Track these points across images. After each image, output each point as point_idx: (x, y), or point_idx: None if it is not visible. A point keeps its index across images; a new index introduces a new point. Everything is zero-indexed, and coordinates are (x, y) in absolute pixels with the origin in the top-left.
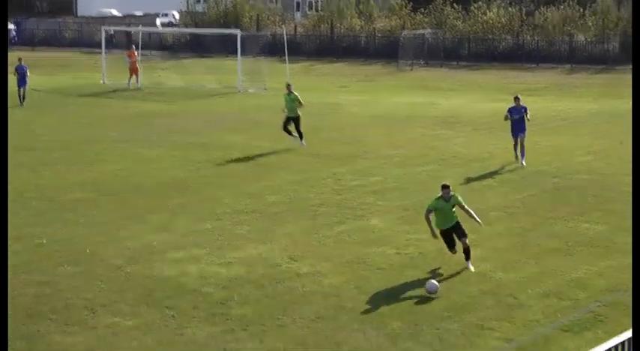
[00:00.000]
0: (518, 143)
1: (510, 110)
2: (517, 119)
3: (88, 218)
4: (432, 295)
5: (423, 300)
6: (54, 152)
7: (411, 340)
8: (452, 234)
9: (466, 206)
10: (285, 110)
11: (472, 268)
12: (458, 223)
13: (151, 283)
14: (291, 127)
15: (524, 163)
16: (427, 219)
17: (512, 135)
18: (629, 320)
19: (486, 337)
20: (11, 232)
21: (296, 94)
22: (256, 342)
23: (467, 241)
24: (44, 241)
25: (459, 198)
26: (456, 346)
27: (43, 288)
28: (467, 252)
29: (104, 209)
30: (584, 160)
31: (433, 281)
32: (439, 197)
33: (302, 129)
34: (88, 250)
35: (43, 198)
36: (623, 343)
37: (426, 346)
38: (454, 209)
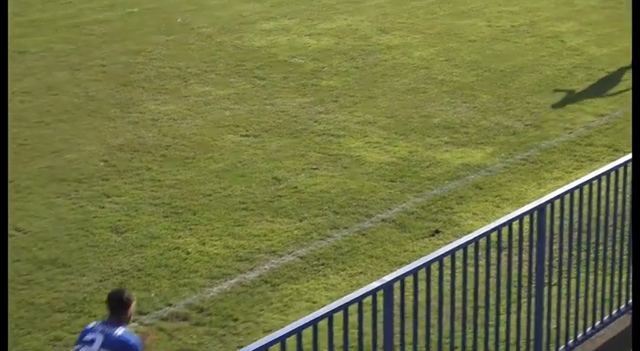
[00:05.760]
0: None
1: None
2: None
3: None
4: None
5: (513, 72)
6: None
7: (501, 114)
8: None
9: None
10: None
11: None
12: None
13: (241, 53)
14: None
15: None
16: None
17: None
18: None
19: (576, 111)
20: (102, 1)
21: None
22: (346, 113)
23: None
24: (135, 10)
25: None
26: (547, 120)
27: (135, 56)
28: None
29: None
30: None
31: None
32: None
33: None
34: (179, 19)
35: None
36: None
37: (515, 119)
38: None
